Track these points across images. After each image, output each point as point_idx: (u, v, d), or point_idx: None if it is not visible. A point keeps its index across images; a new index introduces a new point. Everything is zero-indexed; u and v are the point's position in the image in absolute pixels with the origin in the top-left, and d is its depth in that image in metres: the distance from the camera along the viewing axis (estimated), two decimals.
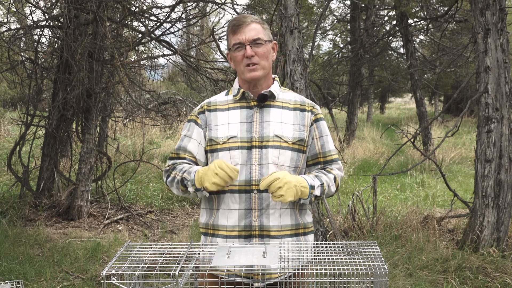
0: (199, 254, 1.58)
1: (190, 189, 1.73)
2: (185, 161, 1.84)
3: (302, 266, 1.74)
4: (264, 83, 1.84)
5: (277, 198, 1.64)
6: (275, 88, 1.85)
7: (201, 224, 1.89)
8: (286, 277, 1.76)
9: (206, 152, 1.85)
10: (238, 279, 1.74)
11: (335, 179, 1.83)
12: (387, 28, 12.74)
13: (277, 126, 1.79)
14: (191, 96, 13.02)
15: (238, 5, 7.79)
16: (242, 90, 1.83)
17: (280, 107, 1.84)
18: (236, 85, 1.88)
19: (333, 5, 20.51)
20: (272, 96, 1.83)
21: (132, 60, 6.78)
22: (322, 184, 1.76)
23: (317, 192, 1.74)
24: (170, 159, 1.89)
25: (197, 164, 1.86)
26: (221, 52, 6.15)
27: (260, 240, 1.77)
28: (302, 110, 1.86)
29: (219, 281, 1.74)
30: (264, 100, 1.82)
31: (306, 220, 1.86)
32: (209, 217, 1.85)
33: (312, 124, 1.86)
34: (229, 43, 1.82)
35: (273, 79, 1.90)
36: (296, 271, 1.76)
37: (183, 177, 1.75)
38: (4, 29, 6.16)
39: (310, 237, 1.89)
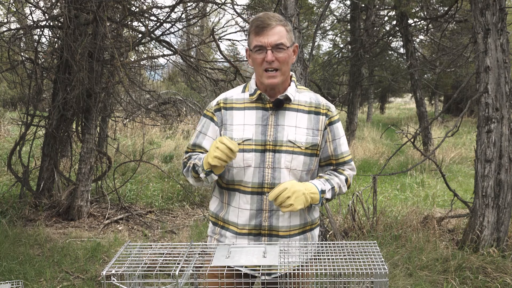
0: (199, 254, 1.58)
1: (202, 175, 1.75)
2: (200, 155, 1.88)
3: (306, 261, 1.78)
4: (282, 86, 1.82)
5: (287, 208, 1.66)
6: (291, 90, 1.83)
7: (211, 213, 1.93)
8: (289, 272, 1.78)
9: None
10: (245, 270, 1.78)
11: (346, 180, 1.87)
12: (387, 28, 12.74)
13: (291, 130, 1.79)
14: (191, 96, 13.02)
15: (238, 5, 7.78)
16: (259, 92, 1.81)
17: (295, 109, 1.83)
18: (253, 84, 1.87)
19: (333, 5, 20.50)
20: (287, 99, 1.82)
21: (132, 60, 6.78)
22: (333, 188, 1.80)
23: (328, 195, 1.78)
24: (186, 152, 1.93)
25: None
26: (221, 52, 6.15)
27: (268, 239, 1.81)
28: (317, 114, 1.84)
29: (219, 281, 1.74)
30: (280, 105, 1.81)
31: (314, 216, 1.91)
32: (219, 208, 1.89)
33: (326, 128, 1.85)
34: (250, 42, 1.79)
35: (290, 77, 1.88)
36: (298, 270, 1.77)
37: (194, 163, 1.79)
38: (4, 29, 6.16)
39: (316, 231, 1.94)
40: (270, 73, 1.75)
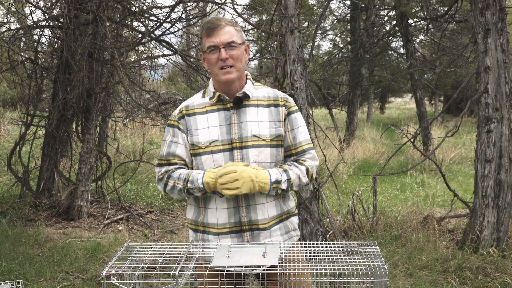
0: (198, 254, 1.58)
1: (197, 194, 1.81)
2: (177, 166, 1.89)
3: (293, 245, 1.86)
4: (238, 84, 1.89)
5: (232, 191, 1.71)
6: (249, 87, 1.90)
7: (190, 220, 1.96)
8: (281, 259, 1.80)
9: (192, 155, 1.90)
10: (236, 269, 1.77)
11: (307, 170, 1.89)
12: (387, 28, 12.73)
13: (254, 125, 1.86)
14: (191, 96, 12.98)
15: (238, 5, 7.78)
16: (218, 94, 1.88)
17: (255, 105, 1.89)
18: (211, 87, 1.93)
19: (333, 5, 20.52)
20: (246, 96, 1.88)
21: (132, 60, 6.78)
22: (289, 179, 1.83)
23: (284, 186, 1.82)
24: (160, 166, 1.92)
25: (187, 167, 1.92)
26: None
27: (250, 233, 1.85)
28: (276, 106, 1.91)
29: (220, 280, 1.74)
30: (240, 103, 1.87)
31: (290, 205, 1.96)
32: (197, 214, 1.91)
33: (285, 118, 1.92)
34: (203, 45, 1.86)
35: (246, 76, 1.95)
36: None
37: (188, 187, 1.81)
38: (4, 29, 6.16)
39: (294, 219, 1.98)
40: (226, 69, 1.82)
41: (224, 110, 1.88)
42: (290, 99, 1.96)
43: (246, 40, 1.94)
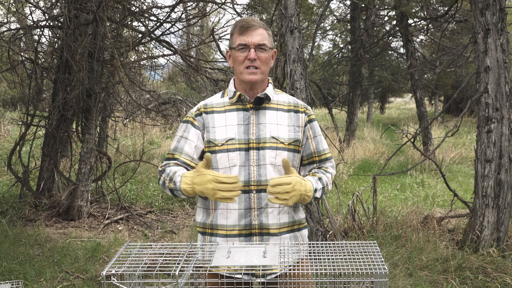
0: (199, 254, 1.59)
1: (183, 196, 1.75)
2: (178, 162, 1.85)
3: (301, 259, 1.81)
4: (260, 86, 1.89)
5: (280, 201, 1.66)
6: (270, 90, 1.90)
7: (198, 224, 1.92)
8: (286, 271, 1.78)
9: (205, 153, 1.86)
10: (238, 276, 1.77)
11: (331, 178, 1.92)
12: (387, 28, 12.74)
13: (273, 127, 1.84)
14: (191, 96, 12.99)
15: (238, 5, 7.78)
16: (238, 93, 1.87)
17: (275, 109, 1.89)
18: (231, 87, 1.92)
19: (333, 5, 20.53)
20: (267, 98, 1.88)
21: (132, 60, 6.78)
22: (323, 188, 1.83)
23: (318, 194, 1.80)
24: (166, 159, 1.90)
25: (190, 166, 1.85)
26: (221, 52, 6.15)
27: (260, 238, 1.81)
28: (296, 112, 1.91)
29: (220, 281, 1.74)
30: (261, 103, 1.86)
31: (300, 216, 1.94)
32: (206, 216, 1.88)
33: (306, 125, 1.92)
34: (233, 42, 1.85)
35: (268, 81, 1.95)
36: (294, 266, 1.77)
37: (171, 187, 1.76)
38: (4, 29, 6.16)
39: (305, 232, 1.96)
40: (251, 69, 1.82)
41: (243, 110, 1.86)
42: (309, 108, 1.97)
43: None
